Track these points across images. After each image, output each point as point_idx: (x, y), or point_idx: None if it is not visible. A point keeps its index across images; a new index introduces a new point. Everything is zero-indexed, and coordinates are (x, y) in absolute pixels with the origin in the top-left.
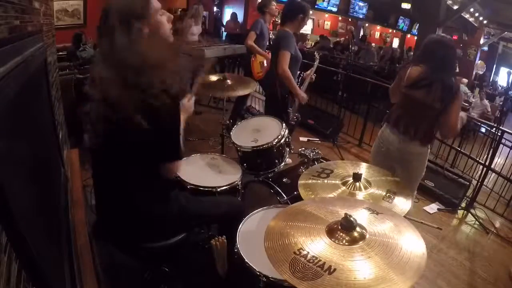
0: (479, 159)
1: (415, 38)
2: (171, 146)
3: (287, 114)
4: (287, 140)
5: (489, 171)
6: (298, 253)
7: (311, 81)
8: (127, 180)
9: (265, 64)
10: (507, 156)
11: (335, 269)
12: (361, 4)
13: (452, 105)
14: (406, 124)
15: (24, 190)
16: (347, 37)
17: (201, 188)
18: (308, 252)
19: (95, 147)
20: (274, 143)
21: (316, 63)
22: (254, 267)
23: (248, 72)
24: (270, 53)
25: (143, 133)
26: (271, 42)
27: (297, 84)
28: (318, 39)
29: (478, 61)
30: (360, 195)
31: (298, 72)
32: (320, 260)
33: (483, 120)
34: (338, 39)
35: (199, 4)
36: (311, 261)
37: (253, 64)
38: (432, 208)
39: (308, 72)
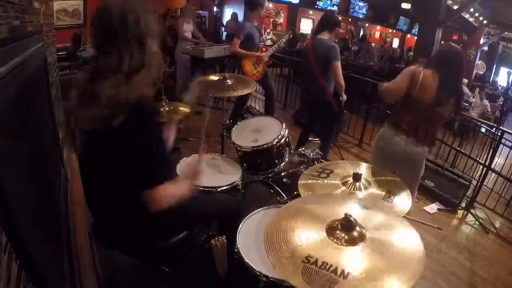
0: (479, 159)
1: (415, 38)
2: (143, 169)
3: (343, 112)
4: (287, 140)
5: (489, 171)
6: (307, 261)
7: None
8: (119, 183)
9: (261, 63)
10: (507, 156)
11: (348, 273)
12: (361, 4)
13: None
14: (416, 128)
15: (24, 190)
16: (347, 37)
17: (201, 188)
18: (317, 259)
19: (82, 152)
20: (274, 143)
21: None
22: (254, 267)
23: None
24: (265, 51)
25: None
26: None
27: None
28: None
29: (478, 61)
30: (360, 195)
31: None
32: (331, 266)
33: (483, 120)
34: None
35: (189, 5)
36: (323, 267)
37: (244, 67)
38: (432, 208)
39: None
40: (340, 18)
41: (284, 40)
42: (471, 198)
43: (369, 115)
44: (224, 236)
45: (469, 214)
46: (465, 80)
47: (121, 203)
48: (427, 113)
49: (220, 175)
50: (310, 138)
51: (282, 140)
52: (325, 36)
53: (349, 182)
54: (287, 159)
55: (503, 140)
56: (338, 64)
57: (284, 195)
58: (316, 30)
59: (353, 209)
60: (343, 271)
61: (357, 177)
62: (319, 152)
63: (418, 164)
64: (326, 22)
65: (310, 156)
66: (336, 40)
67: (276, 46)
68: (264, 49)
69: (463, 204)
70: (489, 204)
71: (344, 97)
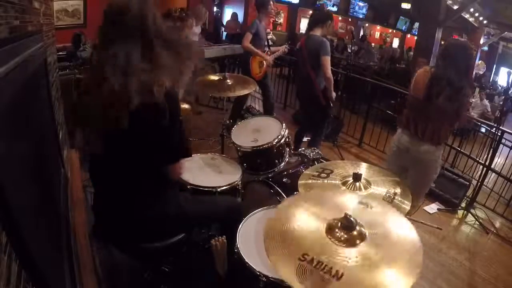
0: (479, 159)
1: (415, 38)
2: (171, 147)
3: (331, 107)
4: (287, 140)
5: (489, 171)
6: (303, 259)
7: None
8: (125, 182)
9: (264, 65)
10: (507, 156)
11: (342, 274)
12: (361, 4)
13: (463, 106)
14: (415, 124)
15: (24, 190)
16: (346, 37)
17: (201, 188)
18: (313, 257)
19: (95, 151)
20: (274, 143)
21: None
22: (254, 267)
23: (246, 72)
24: (270, 54)
25: (145, 132)
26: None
27: None
28: None
29: (478, 61)
30: (360, 195)
31: None
32: (326, 266)
33: (483, 120)
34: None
35: (203, 6)
36: (317, 266)
37: (252, 64)
38: (432, 208)
39: None
40: (336, 15)
41: (283, 50)
42: (471, 198)
43: (369, 115)
44: (224, 236)
45: (469, 214)
46: None
47: (131, 196)
48: (423, 108)
49: (220, 175)
50: (306, 138)
51: (282, 140)
52: (317, 32)
53: (349, 182)
54: (287, 159)
55: (503, 140)
56: (327, 59)
57: (284, 195)
58: (309, 27)
59: (351, 204)
60: (337, 272)
61: (357, 177)
62: (319, 152)
63: (426, 165)
64: (317, 18)
65: (310, 156)
66: (335, 39)
67: (277, 54)
68: (268, 53)
69: (463, 204)
70: (489, 204)
71: (333, 94)
